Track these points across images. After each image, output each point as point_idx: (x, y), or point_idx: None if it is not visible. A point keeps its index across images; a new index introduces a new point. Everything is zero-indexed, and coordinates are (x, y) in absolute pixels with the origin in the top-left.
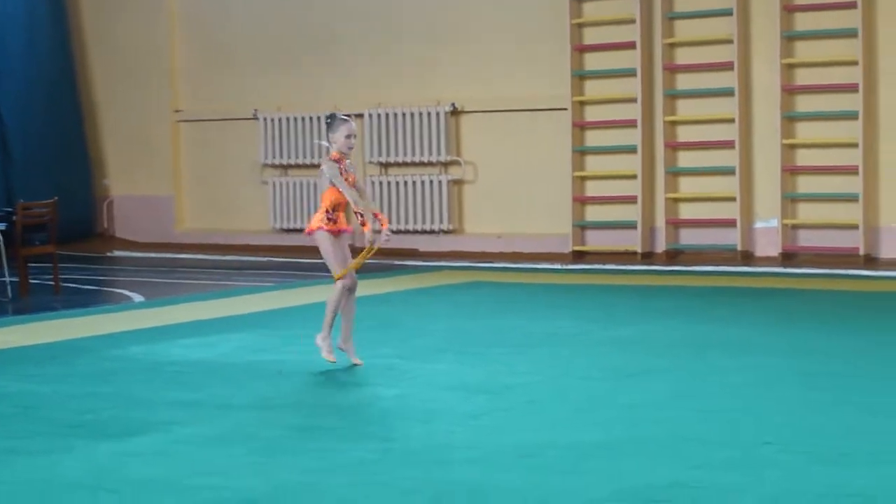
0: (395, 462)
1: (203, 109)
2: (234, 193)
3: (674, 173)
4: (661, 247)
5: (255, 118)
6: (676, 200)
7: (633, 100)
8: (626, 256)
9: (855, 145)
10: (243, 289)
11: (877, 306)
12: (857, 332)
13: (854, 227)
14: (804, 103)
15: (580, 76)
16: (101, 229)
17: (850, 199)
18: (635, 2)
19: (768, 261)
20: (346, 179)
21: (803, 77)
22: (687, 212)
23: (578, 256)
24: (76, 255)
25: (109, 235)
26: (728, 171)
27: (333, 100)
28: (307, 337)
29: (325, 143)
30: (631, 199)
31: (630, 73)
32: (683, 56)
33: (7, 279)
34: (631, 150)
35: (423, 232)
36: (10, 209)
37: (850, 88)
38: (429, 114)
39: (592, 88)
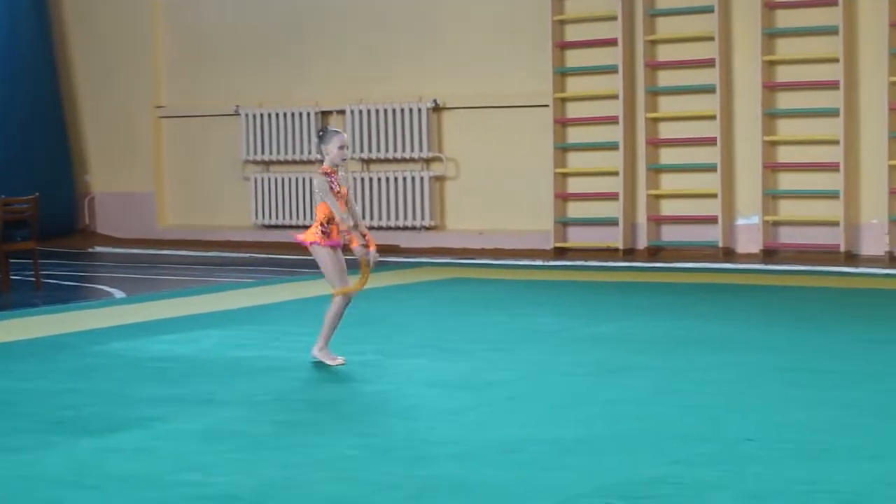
0: (376, 458)
1: (185, 105)
2: (216, 189)
3: (655, 170)
4: (642, 243)
5: (237, 114)
6: (658, 197)
7: (615, 96)
8: (608, 253)
9: (836, 142)
10: (225, 285)
11: (857, 303)
12: (837, 329)
13: (835, 223)
14: (785, 100)
15: (562, 73)
16: (82, 225)
17: (831, 195)
18: None
19: (749, 257)
20: (337, 193)
21: (784, 74)
22: (668, 208)
23: (560, 253)
24: (57, 252)
25: (91, 231)
26: (709, 168)
27: (315, 96)
28: (289, 333)
29: (317, 155)
30: (612, 196)
31: (612, 69)
32: (665, 53)
33: None
34: (612, 146)
35: (405, 228)
36: None
37: (831, 85)
38: (411, 110)
39: (574, 85)
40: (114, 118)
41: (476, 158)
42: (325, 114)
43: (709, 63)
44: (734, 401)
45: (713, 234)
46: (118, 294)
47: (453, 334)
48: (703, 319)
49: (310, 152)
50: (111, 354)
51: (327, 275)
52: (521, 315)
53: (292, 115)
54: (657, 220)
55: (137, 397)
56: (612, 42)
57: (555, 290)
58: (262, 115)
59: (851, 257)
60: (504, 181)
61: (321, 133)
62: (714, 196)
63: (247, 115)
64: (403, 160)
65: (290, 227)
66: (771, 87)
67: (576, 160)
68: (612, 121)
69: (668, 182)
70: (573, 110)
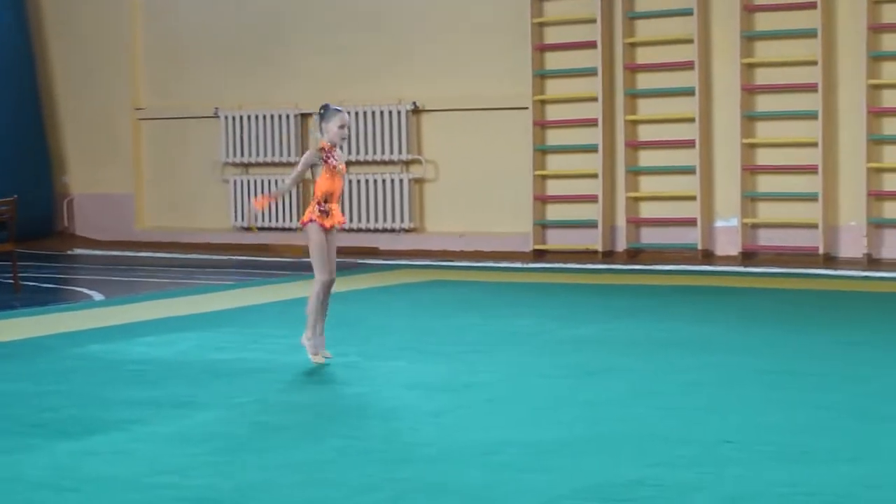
0: (356, 460)
1: (164, 107)
2: (195, 191)
3: (634, 172)
4: (621, 246)
5: (217, 116)
6: (637, 199)
7: (594, 99)
8: (587, 255)
9: (814, 145)
10: (204, 287)
11: (836, 305)
12: (816, 331)
13: (813, 226)
14: (764, 103)
15: (541, 75)
16: (61, 227)
17: (810, 198)
18: (596, 1)
19: (728, 260)
20: (333, 168)
21: (763, 77)
22: (647, 211)
23: (539, 255)
24: (36, 254)
25: (69, 233)
26: (688, 171)
27: (294, 98)
28: (268, 335)
29: (318, 134)
30: (592, 198)
31: (591, 72)
32: (644, 55)
33: None
34: (592, 149)
35: (385, 230)
36: None
37: (810, 88)
38: (390, 112)
39: (553, 87)
40: (93, 120)
41: (455, 161)
42: (305, 116)
43: (688, 66)
44: (714, 403)
45: (692, 237)
46: (97, 296)
47: (433, 336)
48: (683, 321)
49: (289, 154)
50: (90, 357)
51: (313, 257)
52: (500, 317)
53: (272, 117)
54: (636, 223)
55: (116, 400)
56: (591, 45)
57: (534, 292)
58: (241, 118)
59: (830, 259)
60: (483, 183)
61: (322, 111)
62: (693, 198)
63: (226, 118)
64: (383, 162)
65: (269, 229)
66: (750, 90)
67: (555, 162)
68: (591, 123)
69: (648, 184)
70: (552, 113)
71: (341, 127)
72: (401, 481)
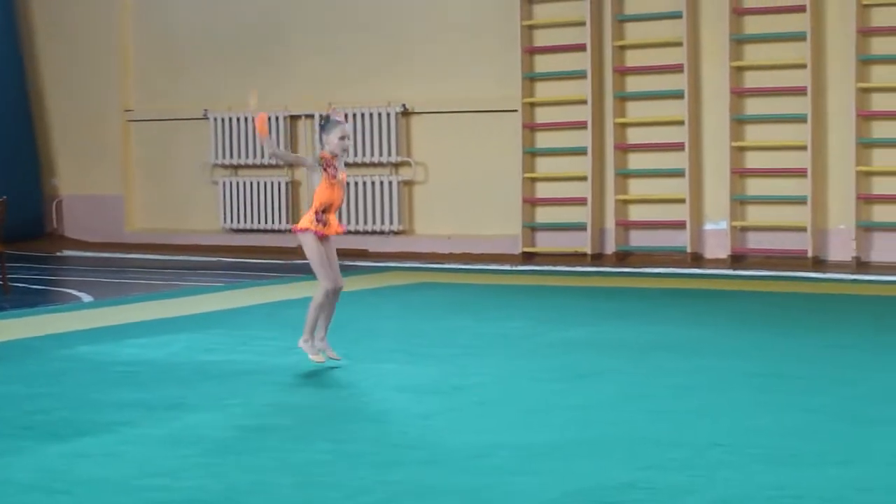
0: (345, 463)
1: (153, 109)
2: (185, 193)
3: (623, 175)
4: (610, 248)
5: (206, 118)
6: (626, 202)
7: (584, 102)
8: (576, 258)
9: (803, 148)
10: (193, 289)
11: (825, 309)
12: (805, 334)
13: (802, 229)
14: (753, 106)
15: (530, 78)
16: (50, 229)
17: (799, 201)
18: (585, 4)
19: (717, 263)
20: (333, 178)
21: (752, 80)
22: (636, 213)
23: (528, 258)
24: (25, 255)
25: (58, 235)
26: (677, 173)
27: (284, 100)
28: (258, 337)
29: (318, 145)
30: (581, 201)
31: (580, 75)
32: (633, 58)
33: None
34: (581, 151)
35: (374, 233)
36: None
37: (799, 91)
38: (379, 114)
39: (543, 90)
40: (83, 121)
41: (445, 163)
42: (294, 118)
43: (677, 68)
44: (703, 406)
45: (681, 240)
46: (86, 298)
47: (422, 339)
48: (672, 324)
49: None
50: (79, 359)
51: (313, 265)
52: (489, 320)
53: None
54: (625, 225)
55: (106, 402)
56: (580, 47)
57: (523, 294)
58: (230, 120)
59: (819, 263)
60: (473, 186)
61: (323, 122)
62: (682, 201)
63: (215, 119)
64: (372, 164)
65: (259, 231)
66: (739, 93)
67: (544, 165)
68: (580, 126)
69: (637, 187)
70: (542, 115)
71: (342, 138)
72: (391, 484)
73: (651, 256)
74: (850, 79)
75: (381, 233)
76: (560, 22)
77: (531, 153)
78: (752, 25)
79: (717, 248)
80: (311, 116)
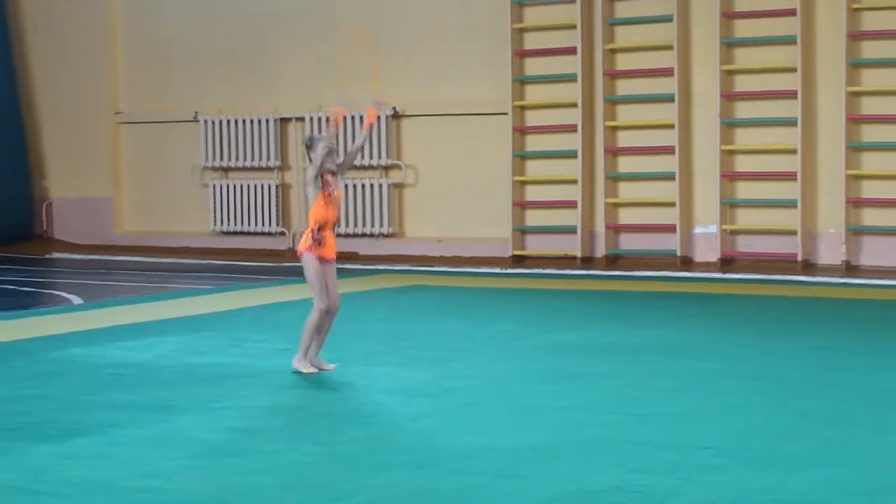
0: (334, 465)
1: (144, 111)
2: (175, 196)
3: (614, 178)
4: (600, 251)
5: (196, 120)
6: (616, 205)
7: (574, 105)
8: (566, 261)
9: (793, 151)
10: (183, 291)
11: (814, 312)
12: (794, 338)
13: (792, 232)
14: (743, 109)
15: (521, 81)
16: (39, 231)
17: (789, 205)
18: (576, 7)
19: (707, 266)
20: (328, 195)
21: (742, 83)
22: (626, 217)
23: (518, 261)
24: (14, 257)
25: (48, 237)
26: (667, 177)
27: (274, 103)
28: (247, 340)
29: (306, 164)
30: (571, 204)
31: (571, 78)
32: (624, 62)
33: None
34: (571, 154)
35: (364, 235)
36: None
37: (789, 95)
38: None
39: (533, 93)
40: (72, 123)
41: (435, 166)
42: (284, 121)
43: (667, 72)
44: (693, 409)
45: (671, 243)
46: (76, 300)
47: (412, 341)
48: (662, 328)
49: (269, 159)
50: (69, 361)
51: (311, 286)
52: (479, 322)
53: (251, 121)
54: (615, 229)
55: (95, 403)
56: (571, 50)
57: (513, 297)
58: (221, 122)
59: (808, 266)
60: (463, 189)
61: (309, 142)
62: (672, 205)
63: (206, 122)
64: (362, 167)
65: (249, 233)
66: (729, 97)
67: (534, 168)
68: (570, 129)
69: (627, 190)
70: (532, 118)
71: (328, 153)
72: (380, 486)
73: (641, 260)
74: (840, 82)
75: (372, 235)
76: (551, 25)
77: (521, 156)
78: (743, 29)
79: (706, 252)
80: (301, 119)
